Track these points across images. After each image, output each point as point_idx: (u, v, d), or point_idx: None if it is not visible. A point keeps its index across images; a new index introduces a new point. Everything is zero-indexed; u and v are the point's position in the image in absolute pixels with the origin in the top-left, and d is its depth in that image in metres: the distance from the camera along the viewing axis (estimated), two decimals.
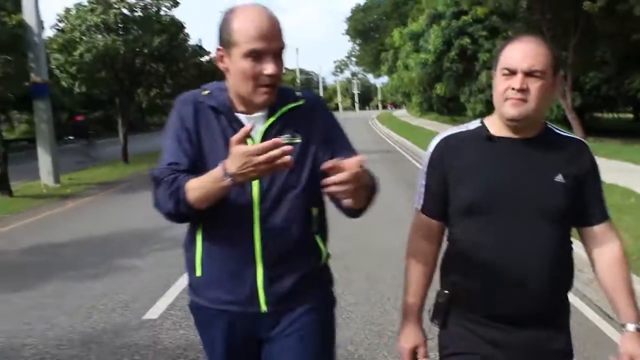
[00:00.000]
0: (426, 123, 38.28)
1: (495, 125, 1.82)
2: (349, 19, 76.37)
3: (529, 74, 1.70)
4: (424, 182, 1.90)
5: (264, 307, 1.80)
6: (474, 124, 1.89)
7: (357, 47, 76.46)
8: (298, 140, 1.78)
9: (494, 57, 1.83)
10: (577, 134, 13.01)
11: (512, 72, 1.72)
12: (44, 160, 14.01)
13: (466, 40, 30.03)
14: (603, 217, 1.86)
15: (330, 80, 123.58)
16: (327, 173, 1.54)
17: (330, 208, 1.83)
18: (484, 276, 1.76)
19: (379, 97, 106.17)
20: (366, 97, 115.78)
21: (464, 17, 29.45)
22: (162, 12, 18.11)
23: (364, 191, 1.64)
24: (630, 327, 1.79)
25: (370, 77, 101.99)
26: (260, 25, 1.68)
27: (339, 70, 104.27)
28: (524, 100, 1.71)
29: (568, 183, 1.76)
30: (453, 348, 1.86)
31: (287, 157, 1.49)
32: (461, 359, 1.84)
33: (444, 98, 35.18)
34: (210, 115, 1.79)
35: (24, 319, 4.92)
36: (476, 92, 29.86)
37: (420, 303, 1.93)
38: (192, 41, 21.44)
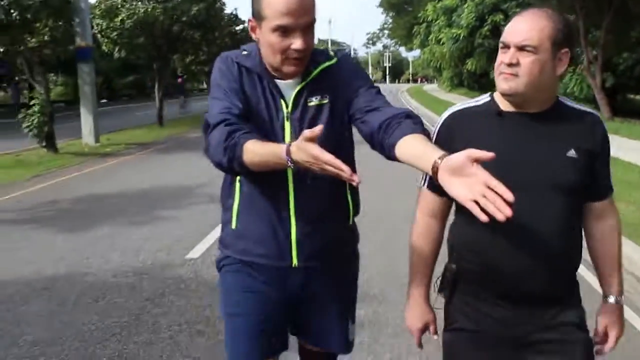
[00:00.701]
0: (455, 98, 38.23)
1: (503, 100, 1.79)
2: None
3: (520, 48, 1.66)
4: None
5: (295, 262, 1.85)
6: (484, 99, 1.86)
7: (390, 20, 75.78)
8: (326, 102, 1.81)
9: None
10: (604, 115, 13.33)
11: (507, 46, 1.70)
12: (86, 120, 14.85)
13: (499, 17, 29.86)
14: (607, 192, 1.86)
15: (362, 53, 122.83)
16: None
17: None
18: (493, 253, 1.74)
19: (410, 70, 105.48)
20: (397, 70, 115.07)
21: None
22: None
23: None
24: (611, 299, 1.85)
25: (402, 51, 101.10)
26: (289, 1, 1.66)
27: (371, 42, 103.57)
28: (514, 75, 1.68)
29: (580, 158, 1.73)
30: (459, 324, 1.84)
31: (356, 179, 1.46)
32: (467, 336, 1.83)
33: (474, 74, 35.13)
34: (247, 76, 1.82)
35: (82, 254, 5.65)
36: None
37: (428, 281, 1.92)
38: (228, 10, 22.01)
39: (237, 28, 23.20)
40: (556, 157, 1.73)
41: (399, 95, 47.61)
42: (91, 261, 5.45)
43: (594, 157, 1.76)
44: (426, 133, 1.63)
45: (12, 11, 11.56)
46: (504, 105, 1.78)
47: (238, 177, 1.83)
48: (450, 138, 1.78)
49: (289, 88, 1.80)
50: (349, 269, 2.03)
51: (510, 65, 1.67)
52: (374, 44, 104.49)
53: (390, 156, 1.64)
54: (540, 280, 1.72)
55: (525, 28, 1.67)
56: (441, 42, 37.57)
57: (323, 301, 1.94)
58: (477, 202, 1.27)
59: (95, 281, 4.91)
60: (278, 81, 1.80)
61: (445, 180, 1.35)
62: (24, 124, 12.46)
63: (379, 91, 1.86)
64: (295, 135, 1.71)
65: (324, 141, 1.55)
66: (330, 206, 1.86)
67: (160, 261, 5.43)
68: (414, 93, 50.69)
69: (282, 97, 1.80)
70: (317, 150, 1.45)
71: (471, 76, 37.33)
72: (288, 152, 1.53)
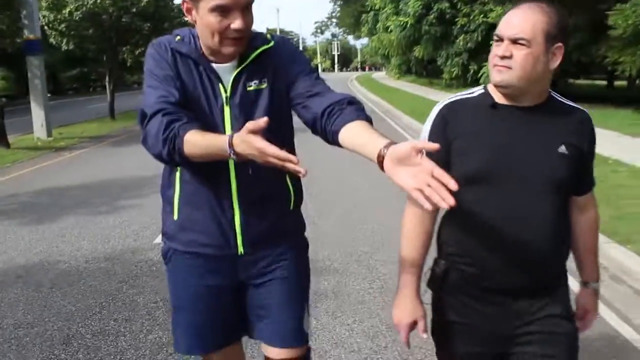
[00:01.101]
0: (404, 85, 39.05)
1: (497, 93, 1.80)
2: None
3: (514, 41, 1.68)
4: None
5: (240, 249, 1.85)
6: (477, 90, 1.87)
7: (338, 9, 76.17)
8: (265, 86, 1.78)
9: None
10: None
11: (500, 39, 1.71)
12: (37, 114, 14.70)
13: (445, 5, 30.42)
14: (590, 186, 1.92)
15: (310, 42, 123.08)
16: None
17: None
18: (483, 247, 1.76)
19: (359, 58, 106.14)
20: (346, 59, 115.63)
21: None
22: None
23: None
24: (591, 285, 1.97)
25: (350, 39, 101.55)
26: None
27: (319, 31, 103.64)
28: (508, 67, 1.69)
29: (570, 154, 1.76)
30: (448, 316, 1.86)
31: (302, 170, 1.44)
32: (456, 329, 1.85)
33: (422, 61, 35.76)
34: (183, 62, 1.77)
35: (52, 244, 5.81)
36: (453, 56, 30.50)
37: (418, 275, 1.88)
38: (177, 1, 21.88)
39: (186, 18, 23.08)
40: (547, 153, 1.75)
41: (348, 83, 48.03)
42: (62, 249, 5.63)
43: (582, 153, 1.79)
44: (369, 119, 1.65)
45: None
46: (498, 98, 1.79)
47: (178, 167, 1.81)
48: (444, 128, 1.81)
49: (227, 72, 1.78)
50: (297, 257, 1.98)
51: (503, 57, 1.69)
52: (322, 32, 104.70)
53: (334, 142, 1.66)
54: (530, 274, 1.74)
55: (519, 21, 1.68)
56: (389, 30, 38.01)
57: (272, 291, 1.91)
58: (422, 191, 1.28)
59: (68, 267, 5.10)
60: (215, 66, 1.77)
61: (391, 169, 1.37)
62: None
63: (318, 76, 1.85)
64: (236, 120, 1.75)
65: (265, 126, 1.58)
66: (272, 193, 1.86)
67: (129, 246, 5.65)
68: (364, 81, 51.27)
69: (220, 81, 1.77)
70: (261, 143, 1.44)
71: (419, 63, 38.03)
72: (230, 144, 1.51)
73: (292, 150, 1.82)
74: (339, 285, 4.46)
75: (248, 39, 1.76)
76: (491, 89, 1.82)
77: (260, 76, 1.79)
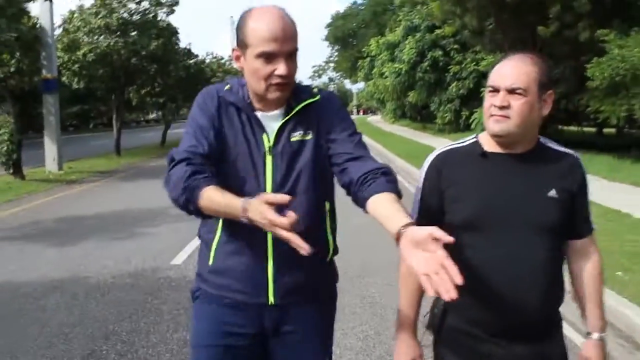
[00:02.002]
0: (398, 129, 39.83)
1: (489, 142, 1.84)
2: (329, 26, 77.50)
3: (510, 91, 1.73)
4: (420, 197, 1.92)
5: (272, 299, 1.85)
6: (469, 140, 1.92)
7: (336, 54, 77.84)
8: (309, 137, 1.83)
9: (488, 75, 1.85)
10: None
11: (496, 90, 1.76)
12: (50, 148, 15.54)
13: (438, 53, 31.53)
14: (589, 230, 1.91)
15: (307, 84, 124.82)
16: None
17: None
18: (478, 291, 1.77)
19: (355, 102, 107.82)
20: (342, 102, 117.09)
21: (438, 31, 30.74)
22: (158, 18, 19.62)
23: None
24: (595, 335, 1.90)
25: (347, 83, 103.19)
26: (273, 28, 1.71)
27: (316, 75, 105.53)
28: (506, 117, 1.74)
29: (561, 198, 1.79)
30: (448, 359, 1.89)
31: (306, 248, 1.50)
32: None
33: (416, 106, 36.53)
34: (231, 110, 1.84)
35: (79, 263, 6.52)
36: (445, 102, 31.46)
37: (415, 316, 1.93)
38: (182, 44, 23.03)
39: (191, 62, 24.18)
40: (538, 197, 1.78)
41: None
42: (88, 267, 6.34)
43: (573, 197, 1.82)
44: (398, 193, 1.69)
45: None
46: (489, 146, 1.84)
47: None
48: (437, 178, 1.86)
49: (272, 122, 1.83)
50: (326, 307, 2.01)
51: (501, 107, 1.74)
52: (319, 76, 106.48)
53: (361, 207, 1.71)
54: (524, 316, 1.76)
55: (513, 72, 1.74)
56: (384, 76, 39.01)
57: (297, 340, 1.92)
58: (429, 277, 1.35)
59: (97, 282, 5.81)
60: (260, 114, 1.83)
61: (406, 248, 1.43)
62: None
63: (360, 139, 1.90)
64: (277, 170, 1.80)
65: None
66: (308, 243, 1.78)
67: (150, 266, 6.36)
68: (359, 125, 51.05)
69: (264, 131, 1.82)
70: (271, 215, 1.47)
71: (413, 108, 38.73)
72: (244, 210, 1.55)
73: (331, 203, 1.94)
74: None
75: (293, 86, 1.84)
76: (483, 137, 1.88)
77: (305, 128, 1.84)
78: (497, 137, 1.80)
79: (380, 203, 1.65)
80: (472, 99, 29.39)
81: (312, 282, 1.91)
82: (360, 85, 71.00)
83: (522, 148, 1.82)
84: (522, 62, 1.76)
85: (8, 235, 8.10)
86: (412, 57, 32.82)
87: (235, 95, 1.85)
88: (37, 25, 14.29)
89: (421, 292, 1.89)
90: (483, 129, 1.87)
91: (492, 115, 1.77)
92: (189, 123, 1.85)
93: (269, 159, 1.82)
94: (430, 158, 1.92)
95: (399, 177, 14.16)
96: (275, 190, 1.77)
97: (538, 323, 1.81)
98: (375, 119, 65.42)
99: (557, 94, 20.60)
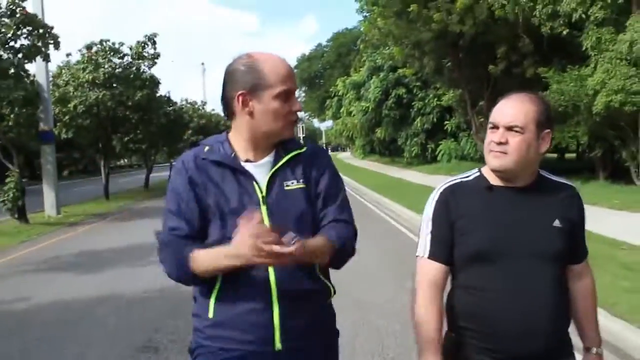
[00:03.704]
0: (368, 164, 41.10)
1: (491, 175, 1.91)
2: (295, 68, 78.71)
3: (509, 128, 1.79)
4: (429, 230, 1.94)
5: (278, 345, 1.81)
6: (473, 174, 1.98)
7: (303, 94, 79.62)
8: (302, 186, 1.85)
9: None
10: None
11: (495, 127, 1.83)
12: (48, 194, 16.71)
13: (402, 90, 33.07)
14: (585, 254, 2.01)
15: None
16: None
17: None
18: (491, 320, 1.82)
19: (324, 140, 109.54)
20: (311, 141, 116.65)
21: (400, 70, 31.85)
22: (141, 70, 21.07)
23: (316, 257, 1.80)
24: (593, 350, 1.99)
25: (315, 122, 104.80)
26: (288, 68, 1.82)
27: None
28: (505, 153, 1.80)
29: (564, 227, 1.86)
30: None
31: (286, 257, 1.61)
32: None
33: (384, 141, 37.88)
34: (214, 170, 1.85)
35: (110, 285, 7.69)
36: (412, 136, 32.92)
37: (439, 351, 1.89)
38: (160, 92, 24.44)
39: (169, 109, 25.62)
40: (544, 227, 1.85)
41: None
42: (121, 288, 7.49)
43: (574, 225, 1.90)
44: (338, 246, 1.84)
45: None
46: (492, 180, 1.90)
47: None
48: (446, 211, 1.91)
49: (262, 172, 1.86)
50: (330, 347, 2.02)
51: (500, 143, 1.80)
52: None
53: None
54: (536, 342, 1.80)
55: (512, 111, 1.80)
56: (352, 114, 40.45)
57: None
58: None
59: (133, 297, 7.01)
60: (249, 166, 1.86)
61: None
62: (0, 198, 14.22)
63: (345, 197, 1.98)
64: (272, 218, 1.80)
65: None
66: (311, 289, 1.87)
67: (175, 285, 7.47)
68: None
69: (255, 181, 1.84)
70: (258, 243, 1.58)
71: (381, 143, 39.97)
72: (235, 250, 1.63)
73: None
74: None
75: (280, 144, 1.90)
76: (485, 171, 1.94)
77: (296, 177, 1.87)
78: (496, 172, 1.88)
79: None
80: (437, 132, 31.07)
81: (317, 324, 1.92)
82: (329, 123, 72.38)
83: (524, 182, 1.89)
84: (522, 101, 1.84)
85: (36, 269, 9.23)
86: (378, 96, 34.26)
87: (218, 154, 1.87)
88: (35, 83, 15.58)
89: (441, 325, 1.92)
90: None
91: (491, 151, 1.85)
92: (170, 196, 1.88)
93: (263, 209, 1.82)
94: (437, 193, 1.98)
95: (372, 207, 15.59)
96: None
97: (549, 347, 1.85)
98: (345, 155, 66.78)
99: None
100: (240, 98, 1.81)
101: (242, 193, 1.83)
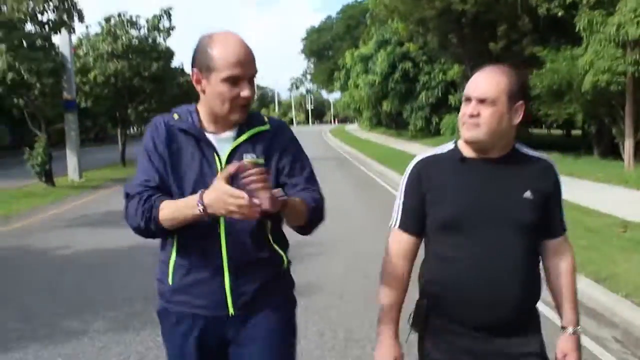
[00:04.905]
0: (374, 136, 41.64)
1: (466, 148, 1.95)
2: (304, 39, 79.18)
3: (481, 100, 1.83)
4: (401, 201, 2.00)
5: (231, 310, 1.91)
6: (448, 147, 2.02)
7: (312, 66, 79.68)
8: (261, 161, 1.81)
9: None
10: None
11: (468, 99, 1.87)
12: (71, 160, 17.85)
13: (409, 64, 33.78)
14: (562, 230, 2.01)
15: (285, 96, 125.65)
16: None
17: None
18: (460, 288, 1.87)
19: (332, 112, 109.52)
20: (319, 112, 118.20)
21: (407, 44, 32.87)
22: (157, 41, 22.01)
23: (295, 214, 1.85)
24: (570, 329, 1.98)
25: (324, 92, 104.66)
26: (238, 53, 1.81)
27: (294, 86, 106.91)
28: (477, 125, 1.84)
29: (535, 198, 1.88)
30: (432, 355, 1.96)
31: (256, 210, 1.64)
32: None
33: (390, 114, 38.76)
34: (181, 137, 1.91)
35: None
36: (417, 109, 33.69)
37: (397, 318, 1.98)
38: (174, 64, 25.35)
39: (182, 80, 26.55)
40: (514, 198, 1.88)
41: (323, 136, 50.61)
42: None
43: (547, 197, 1.93)
44: (312, 206, 1.91)
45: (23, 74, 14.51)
46: (467, 152, 1.94)
47: (175, 235, 1.90)
48: (418, 183, 1.97)
49: (224, 144, 1.92)
50: (285, 314, 2.07)
51: (472, 116, 1.85)
52: (297, 88, 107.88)
53: None
54: (504, 311, 1.86)
55: (484, 83, 1.84)
56: (359, 87, 40.99)
57: (260, 347, 1.98)
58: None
59: None
60: (212, 137, 1.92)
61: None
62: (29, 162, 15.38)
63: (311, 171, 2.03)
64: None
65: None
66: (262, 258, 1.94)
67: None
68: (337, 133, 54.07)
69: (216, 152, 1.90)
70: (226, 188, 1.64)
71: (388, 116, 40.85)
72: (201, 197, 1.70)
73: (275, 222, 1.97)
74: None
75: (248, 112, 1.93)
76: (461, 144, 1.97)
77: (257, 152, 1.89)
78: (469, 143, 1.91)
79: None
80: (441, 106, 31.65)
81: (268, 292, 1.97)
82: (337, 94, 72.79)
83: (497, 153, 1.91)
84: (494, 74, 1.85)
85: (69, 224, 10.33)
86: (385, 69, 34.86)
87: (185, 123, 1.93)
88: (60, 54, 16.59)
89: (403, 296, 1.99)
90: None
91: (464, 123, 1.88)
92: (141, 155, 1.93)
93: None
94: (412, 165, 2.02)
95: (375, 177, 16.54)
96: None
97: (517, 317, 1.88)
98: (353, 128, 66.76)
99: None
100: (195, 76, 1.89)
101: (203, 162, 1.90)
